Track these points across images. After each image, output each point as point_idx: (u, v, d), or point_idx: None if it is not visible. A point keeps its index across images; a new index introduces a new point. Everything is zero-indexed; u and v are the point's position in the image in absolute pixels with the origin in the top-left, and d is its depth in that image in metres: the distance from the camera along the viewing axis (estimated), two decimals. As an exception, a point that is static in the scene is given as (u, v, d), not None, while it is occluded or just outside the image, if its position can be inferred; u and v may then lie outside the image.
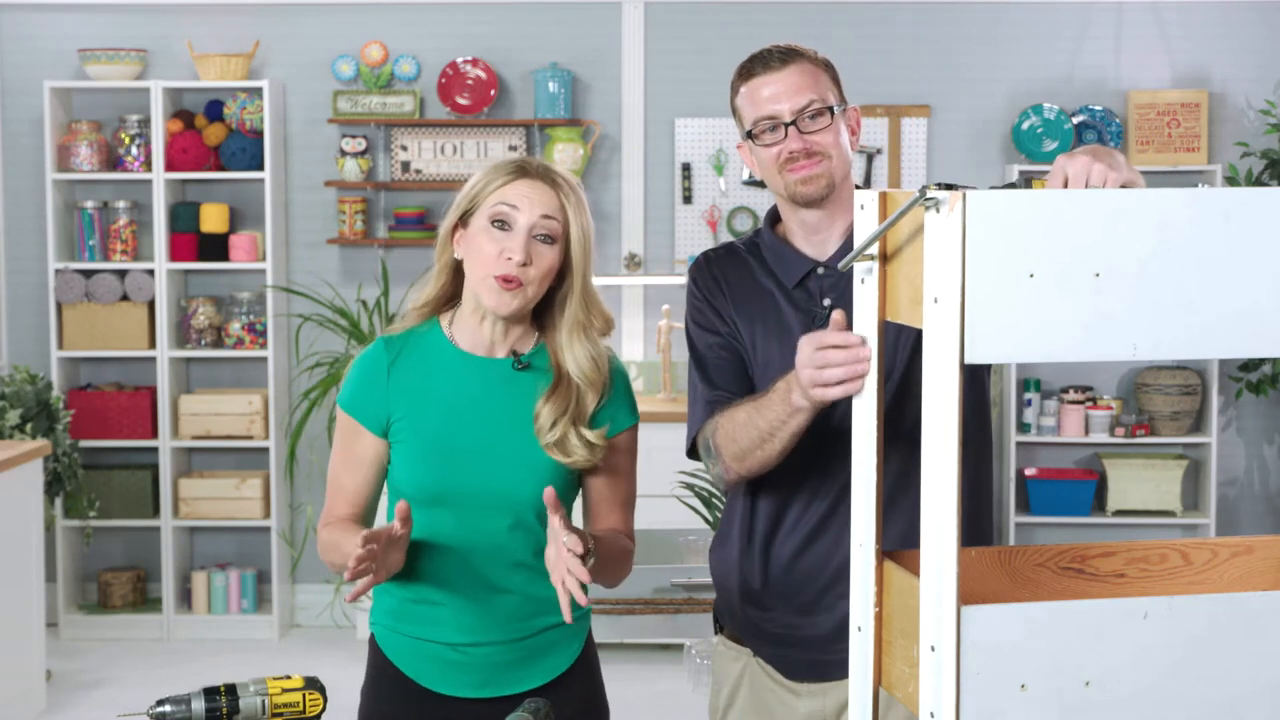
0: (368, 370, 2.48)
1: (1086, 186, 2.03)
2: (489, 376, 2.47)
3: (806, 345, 2.05)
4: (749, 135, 2.51)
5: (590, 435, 2.44)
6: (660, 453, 5.35)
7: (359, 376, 2.49)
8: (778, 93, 2.46)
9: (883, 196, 1.71)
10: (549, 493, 2.25)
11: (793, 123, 2.46)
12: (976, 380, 2.56)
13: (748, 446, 2.36)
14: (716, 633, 2.72)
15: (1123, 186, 2.02)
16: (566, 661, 2.54)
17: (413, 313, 2.53)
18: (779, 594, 2.55)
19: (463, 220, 2.45)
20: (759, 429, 2.32)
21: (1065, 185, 2.05)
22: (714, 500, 4.44)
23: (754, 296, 2.55)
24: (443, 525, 2.44)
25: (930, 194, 1.58)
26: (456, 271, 2.49)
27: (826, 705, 2.54)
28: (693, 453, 2.56)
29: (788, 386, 2.22)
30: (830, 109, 2.47)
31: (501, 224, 2.40)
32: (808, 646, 2.53)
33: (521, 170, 2.43)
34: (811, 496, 2.50)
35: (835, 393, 1.97)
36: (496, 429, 2.45)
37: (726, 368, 2.50)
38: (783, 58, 2.49)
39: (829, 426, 2.34)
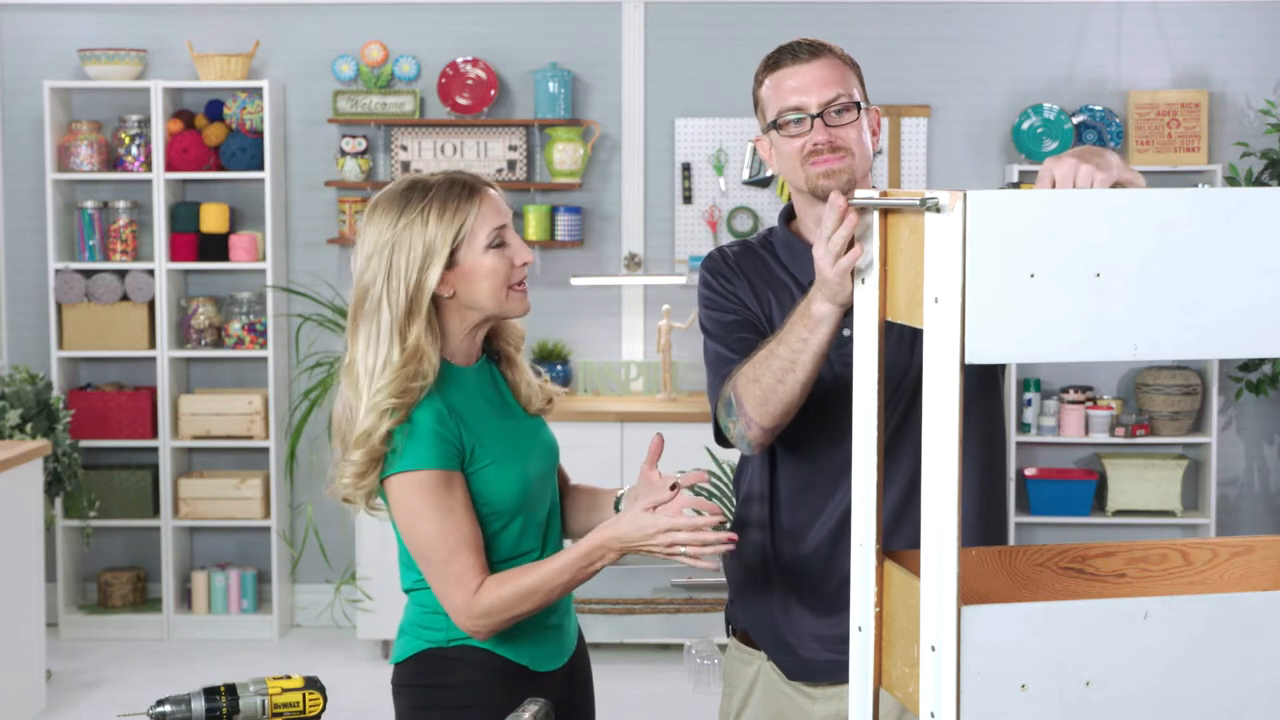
0: (436, 423, 2.43)
1: (1074, 188, 2.03)
2: (489, 378, 2.59)
3: (819, 245, 2.05)
4: (773, 126, 2.49)
5: (538, 380, 2.68)
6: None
7: (429, 429, 2.42)
8: (805, 84, 2.46)
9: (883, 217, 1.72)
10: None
11: (819, 115, 2.45)
12: (991, 380, 2.56)
13: (770, 384, 2.31)
14: (729, 635, 2.70)
15: (1114, 185, 2.02)
16: (575, 615, 2.70)
17: (418, 385, 2.43)
18: (802, 590, 2.54)
19: (448, 263, 2.45)
20: (781, 359, 2.29)
21: (1053, 187, 2.04)
22: (714, 500, 4.43)
23: (771, 287, 2.55)
24: (532, 522, 2.54)
25: (929, 197, 1.58)
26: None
27: (842, 709, 2.52)
28: (720, 437, 2.53)
29: (806, 303, 2.22)
30: (857, 105, 2.47)
31: (499, 242, 2.48)
32: (831, 647, 2.51)
33: (471, 188, 2.48)
34: (833, 489, 2.49)
35: (846, 256, 1.98)
36: (517, 418, 2.58)
37: (750, 341, 2.46)
38: (811, 51, 2.48)
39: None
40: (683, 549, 2.32)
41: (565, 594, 2.44)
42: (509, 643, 2.49)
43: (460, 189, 2.46)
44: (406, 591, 2.57)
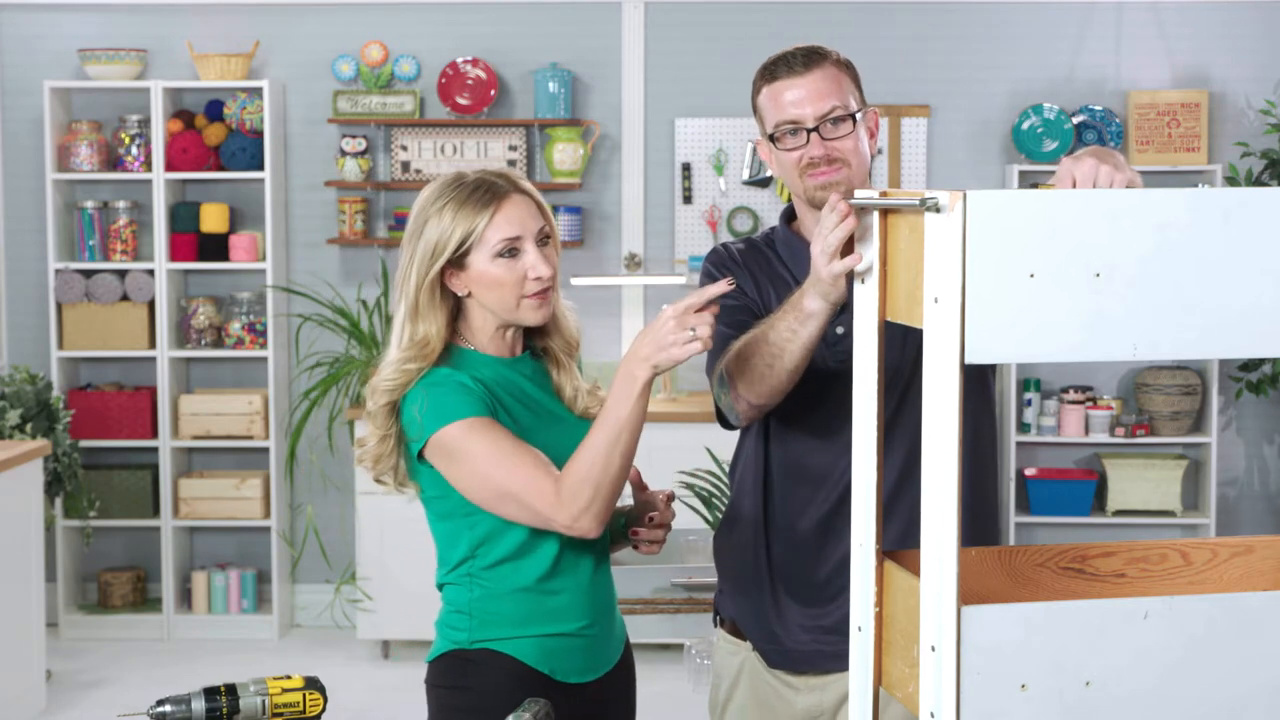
0: (454, 382, 2.43)
1: (1094, 188, 2.04)
2: (525, 372, 2.56)
3: (816, 243, 2.09)
4: (770, 137, 2.52)
5: (589, 385, 2.64)
6: (660, 452, 5.35)
7: (451, 388, 2.41)
8: (801, 98, 2.48)
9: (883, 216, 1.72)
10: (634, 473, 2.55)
11: (815, 129, 2.47)
12: (979, 377, 2.57)
13: (759, 369, 2.35)
14: (716, 625, 2.72)
15: (1125, 187, 2.04)
16: (622, 627, 2.64)
17: (415, 366, 2.44)
18: (791, 579, 2.56)
19: (454, 261, 2.45)
20: (771, 345, 2.32)
21: (1074, 187, 2.06)
22: (714, 500, 4.43)
23: (772, 283, 2.59)
24: None
25: (929, 197, 1.58)
26: (453, 304, 2.50)
27: (825, 700, 2.54)
28: (720, 416, 2.56)
29: (799, 295, 2.26)
30: (852, 116, 2.49)
31: (511, 252, 2.45)
32: (817, 637, 2.53)
33: (494, 193, 2.45)
34: (823, 479, 2.52)
35: (843, 261, 2.00)
36: (558, 416, 2.55)
37: (749, 324, 2.48)
38: (806, 61, 2.49)
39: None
40: (691, 331, 2.26)
41: (628, 439, 2.35)
42: (530, 649, 2.47)
43: (481, 193, 2.44)
44: (438, 587, 2.56)
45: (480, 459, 2.39)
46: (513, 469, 2.37)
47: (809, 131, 2.47)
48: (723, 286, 2.27)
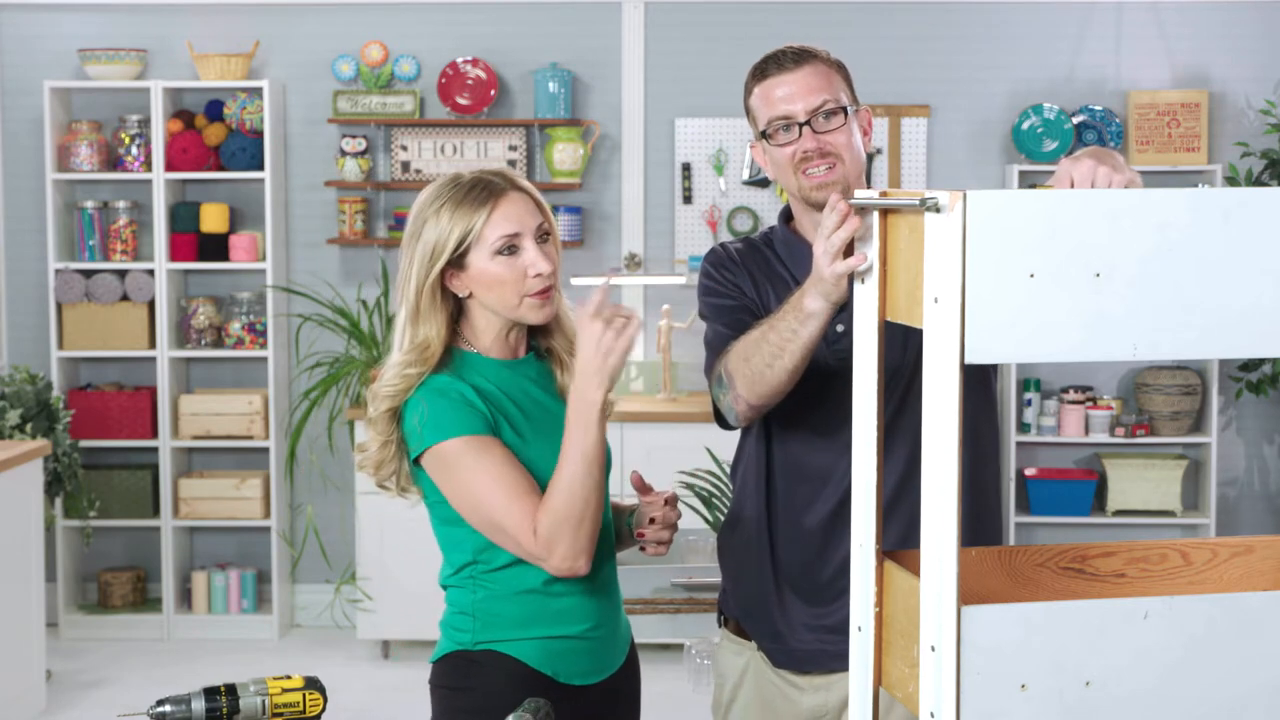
0: (456, 393, 2.42)
1: (1093, 188, 2.04)
2: (529, 373, 2.54)
3: (818, 243, 2.09)
4: (763, 135, 2.53)
5: None
6: (660, 452, 5.35)
7: (454, 400, 2.41)
8: (792, 93, 2.49)
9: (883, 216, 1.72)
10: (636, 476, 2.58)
11: (807, 122, 2.48)
12: (982, 380, 2.57)
13: (759, 368, 2.35)
14: (721, 625, 2.72)
15: (1125, 187, 2.04)
16: (627, 628, 2.63)
17: (415, 371, 2.44)
18: (796, 579, 2.56)
19: (454, 262, 2.44)
20: (771, 344, 2.33)
21: (1072, 188, 2.06)
22: (714, 500, 4.44)
23: (770, 282, 2.59)
24: None
25: (929, 197, 1.58)
26: (454, 305, 2.50)
27: (829, 700, 2.54)
28: (718, 415, 2.56)
29: (799, 295, 2.26)
30: (844, 109, 2.50)
31: (511, 250, 2.44)
32: (821, 636, 2.53)
33: (490, 191, 2.44)
34: (826, 478, 2.52)
35: (845, 261, 2.00)
36: (559, 415, 2.52)
37: (747, 323, 2.48)
38: (796, 58, 2.51)
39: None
40: (619, 319, 2.29)
41: (598, 468, 2.34)
42: (533, 650, 2.46)
43: (478, 191, 2.43)
44: (442, 587, 2.56)
45: (473, 482, 2.38)
46: (507, 501, 2.36)
47: (800, 125, 2.48)
48: (605, 289, 2.31)
